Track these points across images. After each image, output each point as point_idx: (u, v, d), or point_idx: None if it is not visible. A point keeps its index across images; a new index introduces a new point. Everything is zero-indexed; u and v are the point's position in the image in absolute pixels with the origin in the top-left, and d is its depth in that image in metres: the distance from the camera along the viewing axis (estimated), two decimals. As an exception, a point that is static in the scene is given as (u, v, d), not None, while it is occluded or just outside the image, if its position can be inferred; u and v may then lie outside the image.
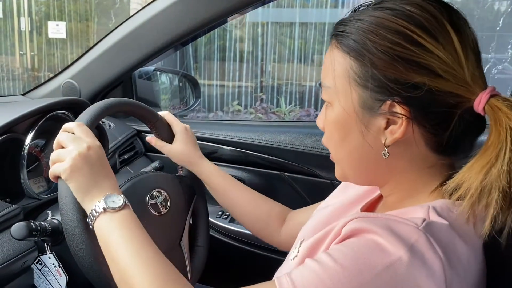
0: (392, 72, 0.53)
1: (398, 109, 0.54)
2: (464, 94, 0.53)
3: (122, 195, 0.69)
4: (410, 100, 0.53)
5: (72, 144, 0.69)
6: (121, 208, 0.67)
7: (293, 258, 0.63)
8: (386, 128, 0.56)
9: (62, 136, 0.71)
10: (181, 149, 0.94)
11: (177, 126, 0.96)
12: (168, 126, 0.97)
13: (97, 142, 0.72)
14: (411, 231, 0.49)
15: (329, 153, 0.66)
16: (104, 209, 0.66)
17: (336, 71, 0.58)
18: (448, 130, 0.55)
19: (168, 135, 0.96)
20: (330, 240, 0.56)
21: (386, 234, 0.49)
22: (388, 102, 0.55)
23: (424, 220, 0.51)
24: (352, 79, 0.57)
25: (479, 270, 0.55)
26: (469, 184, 0.51)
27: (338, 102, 0.59)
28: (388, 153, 0.57)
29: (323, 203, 0.82)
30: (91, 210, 0.67)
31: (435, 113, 0.54)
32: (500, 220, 0.51)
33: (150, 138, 0.95)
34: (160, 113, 0.96)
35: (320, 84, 0.62)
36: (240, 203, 0.93)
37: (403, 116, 0.54)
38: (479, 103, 0.52)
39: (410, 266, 0.47)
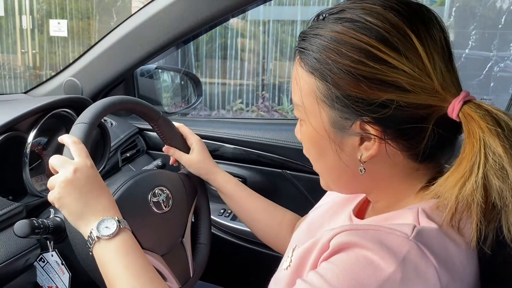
0: (356, 92, 0.51)
1: (368, 128, 0.53)
2: (436, 104, 0.51)
3: (116, 218, 0.66)
4: (380, 118, 0.51)
5: (60, 169, 0.68)
6: (115, 233, 0.64)
7: (286, 268, 0.61)
8: (360, 144, 0.55)
9: (53, 161, 0.69)
10: (198, 159, 0.95)
11: (193, 137, 0.97)
12: (183, 138, 0.98)
13: (86, 161, 0.69)
14: (402, 243, 0.48)
15: None
16: (98, 237, 0.64)
17: (303, 90, 0.56)
18: (423, 142, 0.53)
19: (183, 146, 0.98)
20: (318, 252, 0.54)
21: (377, 249, 0.48)
22: (358, 122, 0.53)
23: (414, 227, 0.50)
24: (320, 99, 0.55)
25: (473, 270, 0.55)
26: (446, 197, 0.50)
27: (308, 122, 0.58)
28: (364, 169, 0.56)
29: (318, 203, 0.82)
30: (87, 237, 0.65)
31: (407, 128, 0.52)
32: (483, 230, 0.50)
33: (167, 149, 0.96)
34: (175, 123, 0.97)
35: (291, 100, 0.62)
36: (253, 211, 0.94)
37: (375, 136, 0.53)
38: (452, 111, 0.50)
39: (404, 280, 0.46)
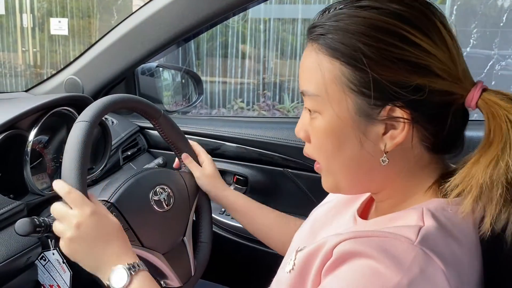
0: (390, 75, 0.51)
1: (398, 113, 0.52)
2: (457, 91, 0.52)
3: (126, 265, 0.64)
4: (411, 103, 0.51)
5: (62, 222, 0.67)
6: (128, 283, 0.63)
7: (289, 271, 0.60)
8: (384, 133, 0.54)
9: (54, 211, 0.69)
10: (210, 174, 0.97)
11: (205, 156, 0.99)
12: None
13: (85, 211, 0.66)
14: (407, 250, 0.48)
15: None
16: None
17: (325, 78, 0.54)
18: (445, 129, 0.54)
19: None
20: (322, 259, 0.53)
21: (382, 257, 0.47)
22: (388, 107, 0.52)
23: (420, 230, 0.50)
24: (346, 86, 0.53)
25: (477, 269, 0.55)
26: (476, 180, 0.50)
27: (331, 111, 0.55)
28: (387, 159, 0.55)
29: (323, 201, 0.81)
30: None
31: (434, 114, 0.53)
32: (502, 216, 0.50)
33: (186, 156, 0.97)
34: (190, 142, 0.99)
35: (301, 93, 0.58)
36: (266, 226, 0.93)
37: (406, 120, 0.52)
38: (472, 98, 0.52)
39: (413, 287, 0.46)
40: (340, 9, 0.54)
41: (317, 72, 0.55)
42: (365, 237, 0.50)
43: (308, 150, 0.62)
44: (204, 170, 0.97)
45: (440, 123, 0.53)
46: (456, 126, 0.55)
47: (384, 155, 0.54)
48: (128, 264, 0.64)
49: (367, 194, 0.69)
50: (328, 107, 0.55)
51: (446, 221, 0.52)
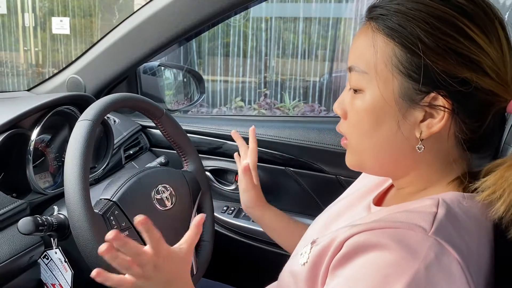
0: (442, 64, 0.51)
1: (441, 102, 0.53)
2: (502, 94, 0.53)
3: None
4: (455, 94, 0.52)
5: (136, 259, 0.58)
6: None
7: (303, 264, 0.60)
8: (422, 121, 0.54)
9: (128, 252, 0.57)
10: (255, 192, 0.96)
11: (256, 173, 0.97)
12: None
13: (160, 250, 0.60)
14: (422, 240, 0.48)
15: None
16: None
17: (377, 56, 0.55)
18: (482, 127, 0.54)
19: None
20: (333, 251, 0.54)
21: (398, 248, 0.47)
22: (432, 94, 0.53)
23: (434, 219, 0.50)
24: (395, 67, 0.54)
25: (489, 264, 0.55)
26: (508, 183, 0.50)
27: (375, 89, 0.56)
28: (423, 146, 0.55)
29: (338, 198, 0.81)
30: None
31: (474, 110, 0.53)
32: None
33: (247, 169, 0.95)
34: (244, 162, 0.97)
35: (349, 69, 0.59)
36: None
37: (446, 110, 0.53)
38: None
39: (429, 277, 0.46)
40: None
41: (370, 50, 0.56)
42: (378, 229, 0.51)
43: (342, 127, 0.63)
44: (254, 186, 0.96)
45: (479, 120, 0.54)
46: (493, 128, 0.55)
47: (420, 142, 0.55)
48: None
49: (384, 186, 0.70)
50: (374, 85, 0.56)
51: (461, 214, 0.53)
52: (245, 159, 0.99)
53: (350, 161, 0.63)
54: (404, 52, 0.53)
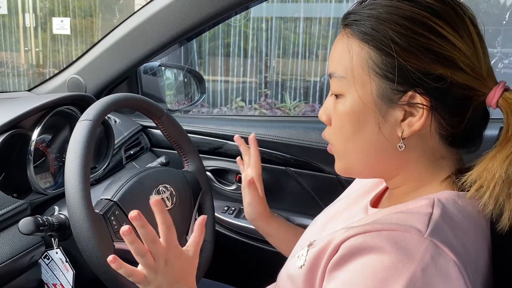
0: (416, 63, 0.53)
1: (419, 100, 0.54)
2: (479, 88, 0.54)
3: None
4: (432, 91, 0.53)
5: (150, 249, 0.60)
6: None
7: (301, 267, 0.60)
8: (403, 120, 0.55)
9: (144, 236, 0.60)
10: (261, 204, 0.96)
11: (260, 184, 0.97)
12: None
13: (176, 251, 0.62)
14: (418, 242, 0.48)
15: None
16: None
17: (353, 61, 0.57)
18: (463, 123, 0.55)
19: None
20: (329, 254, 0.54)
21: (394, 251, 0.48)
22: (410, 93, 0.54)
23: (429, 220, 0.50)
24: (371, 69, 0.55)
25: (487, 262, 0.56)
26: (492, 174, 0.51)
27: (354, 93, 0.57)
28: (404, 145, 0.56)
29: (338, 198, 0.82)
30: None
31: (453, 105, 0.54)
32: None
33: (252, 182, 0.95)
34: (247, 174, 0.96)
35: (329, 75, 0.61)
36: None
37: (425, 107, 0.54)
38: (493, 97, 0.53)
39: (426, 279, 0.46)
40: (373, 0, 0.58)
41: (346, 55, 0.57)
42: (374, 231, 0.51)
43: (327, 133, 0.64)
44: (259, 198, 0.96)
45: (459, 115, 0.55)
46: (475, 122, 0.56)
47: (401, 141, 0.56)
48: None
49: (381, 187, 0.70)
50: (353, 89, 0.57)
51: (457, 213, 0.53)
52: (248, 165, 0.98)
53: (338, 167, 0.64)
54: (378, 54, 0.54)
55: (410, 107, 0.55)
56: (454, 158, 0.59)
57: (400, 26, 0.53)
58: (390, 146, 0.57)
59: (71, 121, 1.04)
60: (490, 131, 0.61)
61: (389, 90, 0.55)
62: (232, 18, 4.46)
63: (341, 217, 0.70)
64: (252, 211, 0.95)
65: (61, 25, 5.23)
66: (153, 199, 0.59)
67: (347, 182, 1.16)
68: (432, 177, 0.59)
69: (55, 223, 0.81)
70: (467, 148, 0.59)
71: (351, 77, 0.57)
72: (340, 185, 1.19)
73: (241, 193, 1.33)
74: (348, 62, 0.57)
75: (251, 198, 0.95)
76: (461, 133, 0.56)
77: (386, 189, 0.70)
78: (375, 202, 0.69)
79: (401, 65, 0.53)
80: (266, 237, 0.97)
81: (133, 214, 0.58)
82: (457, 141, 0.57)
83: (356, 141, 0.59)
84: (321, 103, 4.78)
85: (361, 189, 0.74)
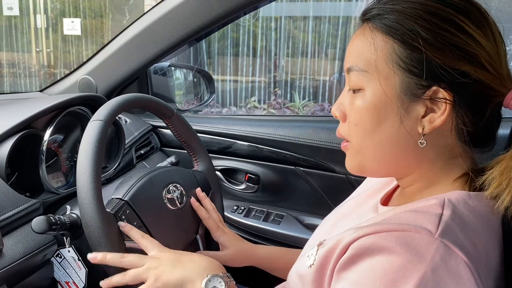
0: (441, 58, 0.52)
1: (442, 95, 0.53)
2: (499, 88, 0.54)
3: (221, 274, 0.66)
4: (455, 87, 0.53)
5: (141, 261, 0.71)
6: None
7: (310, 266, 0.60)
8: (424, 116, 0.55)
9: (130, 262, 0.71)
10: (233, 252, 0.91)
11: (219, 233, 0.92)
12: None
13: (161, 253, 0.72)
14: (428, 243, 0.48)
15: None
16: None
17: (377, 54, 0.56)
18: (482, 121, 0.55)
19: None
20: (338, 254, 0.54)
21: (404, 252, 0.47)
22: (434, 87, 0.53)
23: (439, 220, 0.50)
24: (395, 63, 0.54)
25: (498, 262, 0.55)
26: (502, 180, 0.51)
27: (376, 87, 0.56)
28: (425, 141, 0.55)
29: (348, 197, 0.82)
30: None
31: (474, 102, 0.54)
32: None
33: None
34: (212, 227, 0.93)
35: (347, 70, 0.59)
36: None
37: (448, 102, 0.53)
38: (511, 99, 0.53)
39: (436, 280, 0.46)
40: None
41: (370, 49, 0.56)
42: (384, 232, 0.50)
43: (342, 130, 0.62)
44: (225, 253, 0.91)
45: (479, 113, 0.55)
46: (492, 121, 0.56)
47: (422, 137, 0.56)
48: (222, 273, 0.67)
49: (391, 185, 0.70)
50: (375, 83, 0.56)
51: (468, 213, 0.53)
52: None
53: (351, 165, 0.63)
54: (403, 48, 0.54)
55: (432, 103, 0.54)
56: (468, 157, 0.58)
57: (426, 21, 0.53)
58: (408, 143, 0.57)
59: (83, 121, 1.06)
60: (501, 130, 0.61)
61: (413, 85, 0.54)
62: (241, 17, 4.47)
63: (352, 217, 0.70)
64: (233, 251, 0.91)
65: (71, 26, 5.28)
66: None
67: (357, 181, 1.16)
68: (445, 176, 0.58)
69: (67, 222, 0.82)
70: (483, 147, 0.58)
71: (374, 71, 0.56)
72: (350, 184, 1.19)
73: (250, 192, 1.34)
74: (371, 56, 0.56)
75: (225, 241, 0.91)
76: (480, 131, 0.56)
77: (397, 187, 0.69)
78: (386, 201, 0.68)
79: (427, 59, 0.53)
80: (261, 267, 0.94)
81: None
82: (474, 140, 0.56)
83: (374, 137, 0.58)
84: (330, 102, 4.77)
85: (371, 188, 0.74)
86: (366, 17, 0.58)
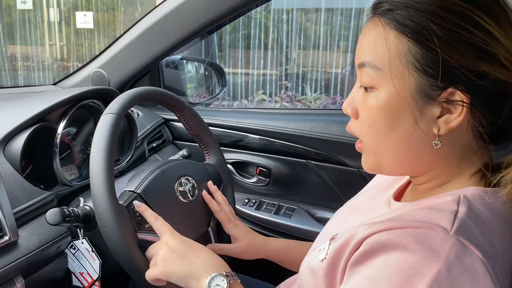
0: (459, 58, 0.50)
1: (458, 97, 0.51)
2: None
3: (224, 273, 0.67)
4: (472, 88, 0.51)
5: (153, 250, 0.75)
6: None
7: (322, 260, 0.59)
8: (439, 117, 0.53)
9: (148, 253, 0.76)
10: (245, 245, 0.91)
11: (231, 226, 0.92)
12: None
13: (173, 234, 0.75)
14: (443, 240, 0.47)
15: (356, 141, 0.63)
16: None
17: (391, 52, 0.53)
18: (500, 119, 0.53)
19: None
20: (351, 249, 0.53)
21: (419, 249, 0.47)
22: (450, 89, 0.51)
23: (455, 218, 0.49)
24: (410, 63, 0.52)
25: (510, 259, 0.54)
26: None
27: (390, 87, 0.54)
28: (440, 142, 0.54)
29: (361, 191, 0.81)
30: None
31: (492, 102, 0.52)
32: None
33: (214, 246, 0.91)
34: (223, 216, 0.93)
35: (359, 65, 0.57)
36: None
37: (465, 105, 0.51)
38: None
39: (451, 278, 0.45)
40: None
41: (383, 46, 0.54)
42: (399, 229, 0.50)
43: (354, 127, 0.61)
44: (237, 245, 0.91)
45: (496, 112, 0.53)
46: (510, 119, 0.54)
47: (437, 138, 0.54)
48: (226, 272, 0.67)
49: (404, 180, 0.69)
50: (389, 82, 0.54)
51: (484, 210, 0.52)
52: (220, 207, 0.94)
53: (366, 164, 0.62)
54: (418, 47, 0.51)
55: (448, 104, 0.52)
56: (485, 153, 0.57)
57: (442, 19, 0.50)
58: (424, 143, 0.55)
59: (96, 114, 1.06)
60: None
61: (428, 86, 0.52)
62: (253, 10, 4.45)
63: (363, 211, 0.69)
64: (244, 244, 0.91)
65: (84, 19, 5.32)
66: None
67: (369, 175, 1.15)
68: (461, 172, 0.57)
69: (80, 214, 0.83)
70: (500, 144, 0.57)
71: (388, 70, 0.54)
72: (362, 178, 1.18)
73: (262, 185, 1.34)
74: (384, 54, 0.54)
75: (236, 234, 0.91)
76: (497, 130, 0.54)
77: (410, 181, 0.68)
78: (398, 195, 0.68)
79: (443, 60, 0.50)
80: (287, 264, 0.94)
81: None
82: (493, 138, 0.55)
83: (388, 138, 0.56)
84: (342, 95, 4.74)
85: (383, 182, 0.73)
86: (378, 11, 0.55)
